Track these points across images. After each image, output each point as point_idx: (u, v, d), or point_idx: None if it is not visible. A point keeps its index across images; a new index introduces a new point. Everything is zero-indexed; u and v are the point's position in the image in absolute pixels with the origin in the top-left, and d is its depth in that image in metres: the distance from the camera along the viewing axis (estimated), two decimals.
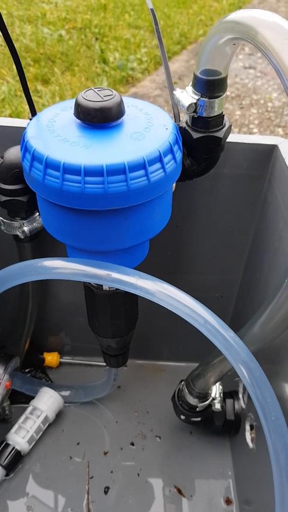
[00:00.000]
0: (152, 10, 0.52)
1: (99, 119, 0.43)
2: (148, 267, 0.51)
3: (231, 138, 0.57)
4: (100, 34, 2.61)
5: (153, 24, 0.51)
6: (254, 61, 2.55)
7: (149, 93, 2.21)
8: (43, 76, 2.13)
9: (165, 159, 0.43)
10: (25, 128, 0.46)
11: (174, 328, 0.79)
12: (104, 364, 0.70)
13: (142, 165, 0.41)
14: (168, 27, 2.79)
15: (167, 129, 0.45)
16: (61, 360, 0.86)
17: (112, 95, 0.43)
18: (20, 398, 0.77)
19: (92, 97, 0.43)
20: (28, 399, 0.76)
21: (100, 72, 2.25)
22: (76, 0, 3.05)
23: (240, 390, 0.71)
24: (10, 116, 1.79)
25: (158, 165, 0.42)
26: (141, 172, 0.41)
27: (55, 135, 0.43)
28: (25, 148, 0.44)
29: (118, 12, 2.93)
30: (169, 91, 0.51)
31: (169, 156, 0.43)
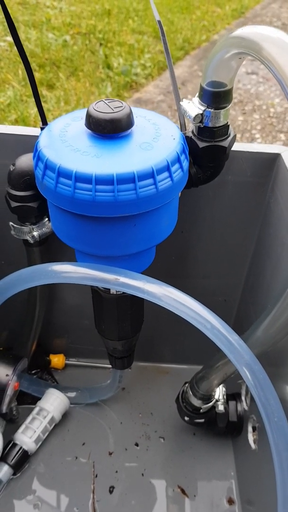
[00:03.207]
0: (159, 22, 0.54)
1: (109, 130, 0.44)
2: (154, 272, 0.52)
3: (235, 146, 0.58)
4: (104, 39, 2.64)
5: (160, 35, 0.53)
6: (256, 66, 2.57)
7: (152, 98, 2.23)
8: (48, 81, 2.15)
9: (173, 168, 0.44)
10: (35, 136, 0.48)
11: (177, 331, 0.81)
12: (109, 366, 0.71)
13: (150, 174, 0.43)
14: (172, 33, 2.82)
15: (174, 139, 0.46)
16: (67, 362, 0.88)
17: (122, 106, 0.45)
18: (27, 399, 0.78)
19: (103, 109, 0.44)
20: (34, 400, 0.77)
21: (104, 77, 2.28)
22: (80, 5, 3.08)
23: (243, 392, 0.72)
24: (16, 120, 1.81)
25: (166, 174, 0.44)
26: (150, 180, 0.43)
27: (67, 145, 0.45)
28: (38, 157, 0.45)
29: (122, 17, 2.96)
30: (175, 102, 0.53)
31: (177, 165, 0.45)
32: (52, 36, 2.57)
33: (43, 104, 2.07)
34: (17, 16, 2.76)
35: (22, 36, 2.49)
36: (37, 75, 2.17)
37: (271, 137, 2.00)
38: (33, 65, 2.24)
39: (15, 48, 2.37)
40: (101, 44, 2.60)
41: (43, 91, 2.08)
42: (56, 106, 1.98)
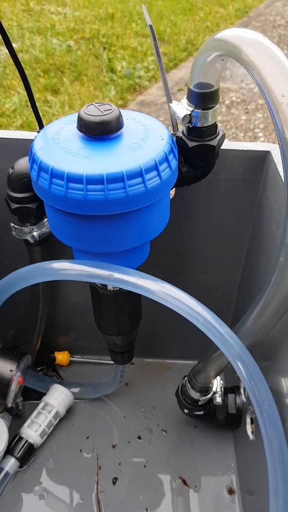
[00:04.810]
0: (150, 26, 0.56)
1: (99, 132, 0.46)
2: (152, 268, 0.54)
3: (226, 145, 0.60)
4: (107, 43, 2.67)
5: (152, 40, 0.55)
6: None
7: (156, 100, 2.25)
8: (52, 86, 2.18)
9: (161, 167, 0.46)
10: (33, 140, 0.50)
11: (179, 327, 0.82)
12: (112, 362, 0.73)
13: (139, 173, 0.45)
14: (175, 35, 2.84)
15: (162, 139, 0.48)
16: (71, 358, 0.90)
17: (111, 109, 0.47)
18: (33, 395, 0.81)
19: (93, 112, 0.46)
20: (40, 395, 0.79)
21: (108, 81, 2.30)
22: (84, 10, 3.12)
23: (242, 385, 0.74)
24: (21, 125, 1.85)
25: (154, 173, 0.46)
26: (139, 179, 0.45)
27: (59, 147, 0.47)
28: (33, 160, 0.48)
29: (125, 21, 2.99)
30: (167, 104, 0.55)
31: (165, 165, 0.47)
32: (56, 41, 2.61)
33: (48, 109, 2.10)
34: (23, 23, 2.80)
35: (27, 42, 2.53)
36: (41, 81, 2.21)
37: (274, 136, 2.01)
38: (38, 71, 2.28)
39: (20, 54, 2.41)
40: (104, 48, 2.63)
41: (47, 96, 2.11)
42: (61, 111, 2.01)
